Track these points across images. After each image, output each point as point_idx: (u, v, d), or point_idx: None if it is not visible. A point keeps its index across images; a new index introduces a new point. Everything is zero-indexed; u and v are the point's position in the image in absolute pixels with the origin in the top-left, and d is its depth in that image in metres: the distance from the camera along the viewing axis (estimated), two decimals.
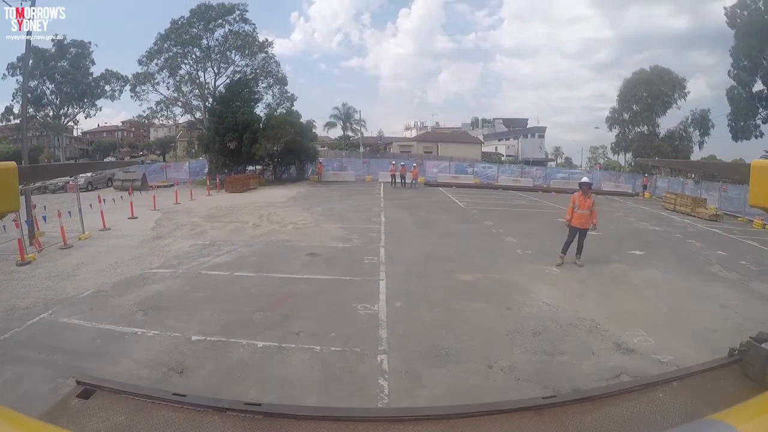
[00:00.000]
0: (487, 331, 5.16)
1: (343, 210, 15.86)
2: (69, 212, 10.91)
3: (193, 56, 31.34)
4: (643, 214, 18.90)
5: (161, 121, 36.64)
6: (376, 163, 34.76)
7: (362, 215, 14.58)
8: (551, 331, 5.18)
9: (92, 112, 41.61)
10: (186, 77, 31.70)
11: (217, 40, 31.39)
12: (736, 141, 32.69)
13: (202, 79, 31.91)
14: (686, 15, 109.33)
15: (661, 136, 41.03)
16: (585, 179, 8.66)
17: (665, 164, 44.54)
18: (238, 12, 31.25)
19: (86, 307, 5.84)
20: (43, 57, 36.10)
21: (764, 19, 28.52)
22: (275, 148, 27.29)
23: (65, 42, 37.47)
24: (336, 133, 55.77)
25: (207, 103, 31.38)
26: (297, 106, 33.76)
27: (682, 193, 22.63)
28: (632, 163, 42.42)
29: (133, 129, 70.99)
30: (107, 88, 40.02)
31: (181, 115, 33.82)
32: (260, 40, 32.41)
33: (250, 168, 29.79)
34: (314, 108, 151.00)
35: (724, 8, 31.15)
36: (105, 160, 52.59)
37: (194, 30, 30.61)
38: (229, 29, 31.43)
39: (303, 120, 30.48)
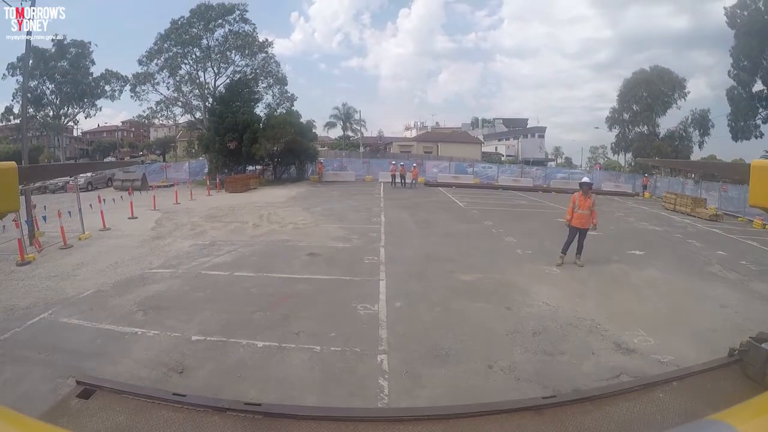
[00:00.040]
0: (487, 331, 5.16)
1: (343, 210, 15.86)
2: (69, 212, 10.91)
3: (193, 56, 31.35)
4: (643, 214, 18.90)
5: (161, 121, 36.66)
6: (376, 163, 34.77)
7: (362, 215, 14.58)
8: (551, 331, 5.18)
9: (92, 112, 41.73)
10: (186, 77, 31.72)
11: (217, 40, 31.41)
12: (736, 141, 32.75)
13: (202, 79, 31.94)
14: (686, 15, 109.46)
15: (661, 136, 41.05)
16: (585, 179, 8.65)
17: (665, 164, 44.55)
18: (238, 12, 31.27)
19: (86, 307, 5.84)
20: (43, 57, 36.11)
21: (764, 19, 28.52)
22: (275, 148, 27.29)
23: (65, 42, 37.50)
24: (336, 133, 55.89)
25: (207, 103, 31.39)
26: (297, 106, 33.82)
27: (682, 193, 22.64)
28: (632, 163, 42.44)
29: (133, 129, 70.99)
30: (107, 88, 40.11)
31: (181, 115, 33.87)
32: (260, 40, 32.45)
33: (250, 168, 29.80)
34: (314, 108, 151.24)
35: (724, 8, 31.21)
36: (105, 160, 52.60)
37: (194, 30, 30.62)
38: (229, 29, 31.45)
39: (303, 120, 30.54)
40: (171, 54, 30.81)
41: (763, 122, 31.61)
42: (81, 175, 20.93)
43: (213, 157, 27.85)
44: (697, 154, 39.61)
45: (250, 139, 26.49)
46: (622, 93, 42.56)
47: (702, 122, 39.18)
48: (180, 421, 1.79)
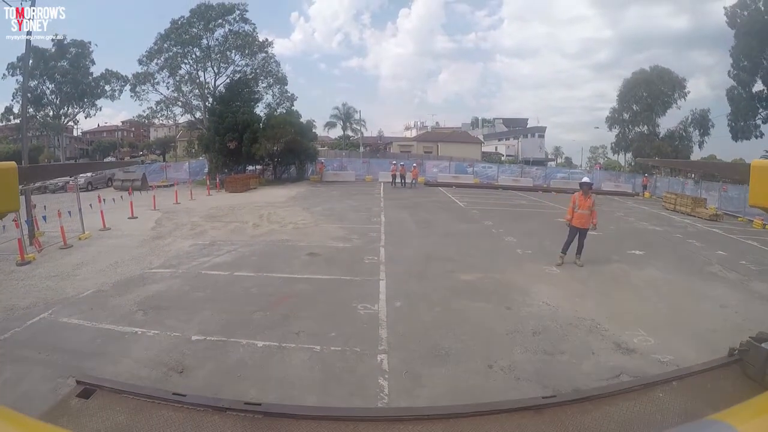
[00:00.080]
0: (487, 331, 5.16)
1: (343, 210, 15.86)
2: (69, 212, 10.91)
3: (193, 56, 31.35)
4: (643, 214, 18.90)
5: (161, 121, 36.66)
6: (376, 163, 34.76)
7: (362, 215, 14.58)
8: (551, 331, 5.18)
9: (92, 112, 41.76)
10: (186, 77, 31.72)
11: (217, 39, 31.42)
12: (736, 141, 32.78)
13: (202, 78, 31.94)
14: (686, 15, 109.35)
15: (661, 136, 41.08)
16: (585, 179, 8.65)
17: (665, 164, 44.56)
18: (238, 12, 31.27)
19: (86, 307, 5.84)
20: (43, 57, 36.12)
21: (764, 19, 28.53)
22: (275, 148, 27.29)
23: (65, 42, 37.50)
24: (336, 133, 55.86)
25: (207, 103, 31.39)
26: (297, 106, 33.84)
27: (682, 193, 22.64)
28: (632, 163, 42.46)
29: (133, 129, 70.99)
30: (107, 87, 40.14)
31: (181, 115, 33.88)
32: (260, 40, 32.45)
33: (250, 168, 29.80)
34: (314, 108, 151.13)
35: (724, 8, 31.24)
36: (105, 160, 52.59)
37: (194, 30, 30.61)
38: (229, 29, 31.45)
39: (303, 120, 30.54)
40: (171, 54, 30.81)
41: (763, 122, 31.64)
42: (81, 175, 20.92)
43: (213, 157, 27.85)
44: (697, 154, 39.73)
45: (250, 139, 26.49)
46: (622, 93, 42.60)
47: (702, 122, 39.22)
48: (180, 421, 1.79)
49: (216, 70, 31.96)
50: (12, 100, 37.84)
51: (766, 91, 30.78)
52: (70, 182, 16.55)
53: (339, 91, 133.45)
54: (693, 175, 27.67)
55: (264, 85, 32.89)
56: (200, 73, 31.87)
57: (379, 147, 52.71)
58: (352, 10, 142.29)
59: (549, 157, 66.54)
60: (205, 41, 31.02)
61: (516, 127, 70.76)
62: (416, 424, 1.80)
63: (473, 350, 4.63)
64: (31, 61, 26.55)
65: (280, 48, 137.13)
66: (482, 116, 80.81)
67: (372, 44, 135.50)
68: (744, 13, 30.06)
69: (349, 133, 53.30)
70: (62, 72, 37.51)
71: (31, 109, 35.78)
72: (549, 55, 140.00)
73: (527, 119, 73.81)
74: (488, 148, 61.86)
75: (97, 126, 63.44)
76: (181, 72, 31.51)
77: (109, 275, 7.39)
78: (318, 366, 4.25)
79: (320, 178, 29.84)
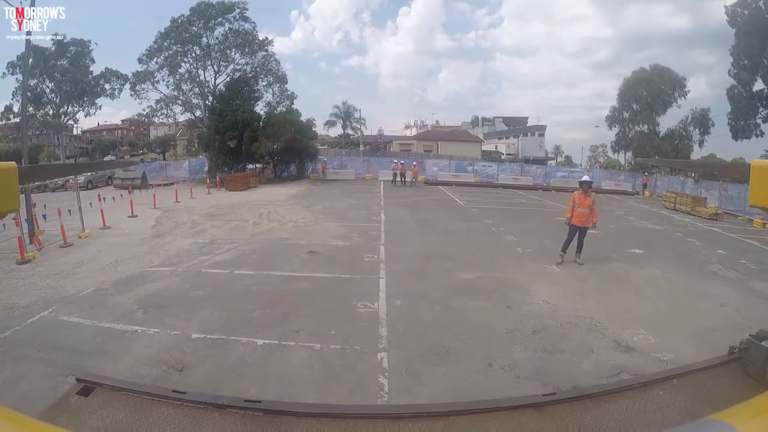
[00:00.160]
0: (487, 330, 5.16)
1: (343, 208, 15.86)
2: (69, 211, 10.90)
3: (193, 54, 31.36)
4: (643, 213, 18.90)
5: (161, 120, 36.76)
6: (376, 161, 34.78)
7: (362, 213, 14.58)
8: (551, 330, 5.17)
9: (92, 111, 41.70)
10: (186, 75, 31.76)
11: (217, 38, 31.46)
12: (737, 140, 32.77)
13: (202, 77, 31.98)
14: (686, 14, 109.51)
15: (661, 134, 41.08)
16: (585, 178, 8.65)
17: (665, 164, 44.54)
18: (238, 10, 31.30)
19: (86, 306, 5.84)
20: (42, 55, 36.04)
21: (765, 18, 28.49)
22: (275, 147, 27.30)
23: (65, 41, 37.44)
24: (336, 131, 55.86)
25: (207, 102, 31.40)
26: (297, 105, 33.93)
27: (682, 192, 22.64)
28: (632, 162, 42.43)
29: (133, 127, 70.98)
30: (107, 86, 40.08)
31: (181, 114, 33.98)
32: (260, 39, 32.49)
33: (250, 166, 29.80)
34: (314, 106, 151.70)
35: (725, 7, 31.18)
36: (105, 158, 52.58)
37: (194, 28, 30.62)
38: (229, 27, 31.50)
39: (303, 118, 30.55)
40: (171, 52, 30.82)
41: (763, 121, 31.63)
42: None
43: (213, 156, 27.85)
44: (697, 153, 39.77)
45: (250, 138, 26.48)
46: (622, 92, 42.57)
47: (702, 121, 39.21)
48: (180, 418, 1.79)
49: (216, 69, 32.01)
50: (12, 99, 37.88)
51: (766, 90, 30.76)
52: (70, 181, 16.55)
53: (339, 89, 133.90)
54: (693, 174, 27.66)
55: (264, 83, 32.98)
56: (200, 72, 31.92)
57: (379, 146, 52.71)
58: (352, 8, 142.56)
59: (549, 155, 66.56)
60: (205, 40, 31.06)
61: (516, 126, 70.76)
62: (416, 422, 1.80)
63: (473, 349, 4.62)
64: (30, 60, 26.48)
65: (280, 46, 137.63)
66: (482, 115, 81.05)
67: (372, 43, 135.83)
68: (744, 12, 30.02)
69: (349, 131, 53.31)
70: (62, 71, 37.46)
71: (30, 108, 35.73)
72: (549, 54, 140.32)
73: (527, 118, 73.88)
74: (488, 146, 61.86)
75: (97, 125, 63.60)
76: (181, 70, 31.58)
77: (109, 274, 7.39)
78: (318, 364, 4.25)
79: (323, 177, 29.78)
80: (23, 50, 13.13)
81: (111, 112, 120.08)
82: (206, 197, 19.65)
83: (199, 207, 16.12)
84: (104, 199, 13.14)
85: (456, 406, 1.98)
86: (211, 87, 31.89)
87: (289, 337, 4.83)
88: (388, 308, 5.76)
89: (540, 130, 66.83)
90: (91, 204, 12.67)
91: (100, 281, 6.95)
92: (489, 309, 5.87)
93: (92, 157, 57.11)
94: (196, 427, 1.75)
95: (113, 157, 53.33)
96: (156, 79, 31.52)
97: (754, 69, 30.46)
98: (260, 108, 31.20)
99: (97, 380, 2.08)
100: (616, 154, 48.73)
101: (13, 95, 37.16)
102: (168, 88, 31.80)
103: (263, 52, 32.63)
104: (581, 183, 8.45)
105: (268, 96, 33.02)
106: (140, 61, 31.19)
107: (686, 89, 40.29)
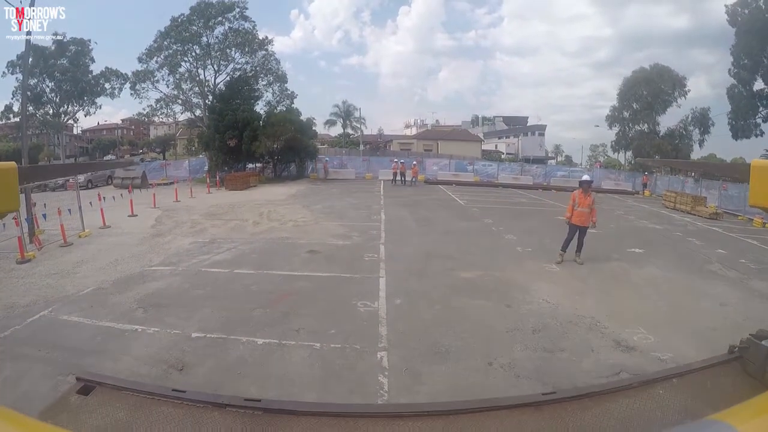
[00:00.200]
0: (487, 329, 5.16)
1: (343, 207, 15.86)
2: (69, 210, 10.90)
3: (193, 54, 31.37)
4: (643, 212, 18.90)
5: (161, 119, 36.77)
6: (376, 160, 34.77)
7: (362, 213, 14.58)
8: (551, 329, 5.18)
9: (92, 110, 41.57)
10: (186, 75, 31.79)
11: (217, 37, 31.48)
12: (737, 139, 32.77)
13: (202, 76, 32.00)
14: (686, 13, 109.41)
15: (661, 134, 41.05)
16: (586, 177, 8.65)
17: (665, 164, 44.53)
18: (238, 9, 31.32)
19: (86, 305, 5.84)
20: (42, 55, 35.96)
21: (765, 18, 28.46)
22: (275, 146, 27.29)
23: (65, 40, 37.40)
24: (336, 130, 55.80)
25: (207, 101, 31.41)
26: (297, 104, 33.94)
27: (682, 192, 22.65)
28: (632, 162, 42.42)
29: (133, 127, 70.94)
30: (107, 85, 39.95)
31: (181, 113, 34.03)
32: (260, 38, 32.51)
33: (250, 166, 29.80)
34: (314, 105, 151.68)
35: (725, 6, 31.17)
36: (105, 158, 52.57)
37: (194, 27, 30.63)
38: (229, 27, 31.52)
39: (303, 117, 30.56)
40: (171, 51, 30.84)
41: (763, 121, 31.63)
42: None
43: (213, 155, 27.85)
44: (697, 153, 39.77)
45: (250, 137, 26.48)
46: (622, 91, 42.55)
47: (702, 120, 39.19)
48: (179, 417, 1.79)
49: (216, 68, 32.03)
50: (12, 99, 37.76)
51: (766, 89, 30.74)
52: (70, 180, 16.55)
53: (339, 88, 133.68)
54: (693, 174, 27.66)
55: (264, 82, 33.01)
56: (200, 71, 31.94)
57: (379, 145, 52.67)
58: (352, 7, 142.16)
59: (549, 155, 66.51)
60: (205, 39, 31.08)
61: (516, 125, 70.70)
62: (416, 421, 1.80)
63: (473, 348, 4.63)
64: (30, 60, 26.47)
65: (280, 45, 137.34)
66: (482, 114, 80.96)
67: (372, 42, 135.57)
68: (745, 12, 30.00)
69: (349, 131, 53.27)
70: (62, 70, 37.39)
71: (30, 108, 35.65)
72: (549, 54, 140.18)
73: (527, 117, 73.83)
74: (488, 146, 61.81)
75: (97, 124, 63.55)
76: (181, 70, 31.61)
77: (109, 273, 7.39)
78: (318, 363, 4.25)
79: (325, 177, 29.72)
80: (23, 50, 13.10)
81: (111, 111, 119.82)
82: (206, 196, 19.64)
83: (199, 206, 16.12)
84: (104, 198, 13.15)
85: (456, 405, 1.98)
86: (211, 86, 31.91)
87: (289, 336, 4.84)
88: (388, 307, 5.77)
89: (540, 129, 66.80)
90: (91, 203, 12.67)
91: (100, 280, 6.95)
92: (489, 308, 5.87)
93: (92, 156, 57.12)
94: (195, 426, 1.75)
95: (113, 157, 53.32)
96: (156, 79, 31.58)
97: (754, 68, 30.45)
98: (260, 107, 31.30)
99: (97, 379, 2.08)
100: (616, 154, 48.80)
101: (13, 94, 37.15)
102: (168, 87, 31.88)
103: (263, 52, 32.68)
104: (581, 182, 8.45)
105: (268, 95, 33.12)
106: (140, 60, 31.25)
107: (686, 89, 40.36)
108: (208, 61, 31.59)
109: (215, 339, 4.76)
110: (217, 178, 24.29)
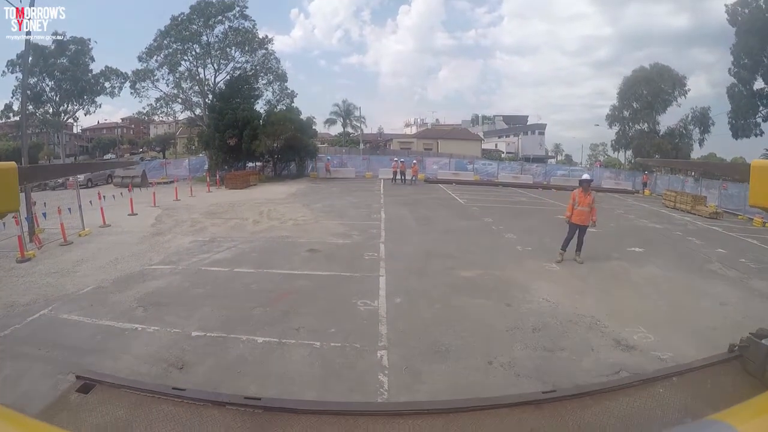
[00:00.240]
0: (487, 328, 5.16)
1: (343, 206, 15.85)
2: (69, 209, 10.90)
3: (193, 53, 31.36)
4: (643, 212, 18.89)
5: (161, 118, 36.75)
6: (376, 159, 34.72)
7: (362, 212, 14.57)
8: (551, 328, 5.18)
9: (92, 109, 41.54)
10: (186, 74, 31.78)
11: (216, 36, 31.47)
12: (737, 139, 32.76)
13: (201, 75, 32.00)
14: (686, 13, 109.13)
15: (661, 133, 41.03)
16: (586, 176, 8.65)
17: (665, 164, 44.53)
18: (238, 8, 31.29)
19: (86, 304, 5.84)
20: (42, 54, 35.91)
21: (765, 17, 28.44)
22: (275, 145, 27.27)
23: (65, 39, 37.35)
24: (336, 129, 55.78)
25: (207, 100, 31.41)
26: (297, 103, 33.88)
27: (682, 191, 22.63)
28: (632, 161, 42.42)
29: (132, 126, 70.86)
30: (107, 84, 39.92)
31: (181, 112, 34.05)
32: (260, 37, 32.50)
33: (250, 164, 29.77)
34: (314, 105, 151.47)
35: (725, 6, 31.12)
36: (105, 157, 52.56)
37: (194, 26, 30.61)
38: (229, 26, 31.51)
39: (303, 116, 30.49)
40: (171, 50, 30.83)
41: (763, 120, 31.61)
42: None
43: (213, 154, 27.84)
44: (697, 152, 39.77)
45: (250, 136, 26.46)
46: (622, 90, 42.51)
47: (702, 120, 39.18)
48: (179, 416, 1.79)
49: (216, 67, 32.01)
50: (11, 98, 37.72)
51: (766, 88, 30.72)
52: (70, 179, 16.55)
53: (339, 87, 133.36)
54: (693, 173, 27.66)
55: (264, 81, 32.98)
56: (200, 70, 31.95)
57: (379, 144, 52.67)
58: (352, 6, 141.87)
59: (549, 154, 66.50)
60: (204, 38, 31.07)
61: (516, 125, 70.61)
62: (416, 419, 1.80)
63: (473, 347, 4.63)
64: (30, 59, 26.43)
65: (280, 45, 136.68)
66: (482, 113, 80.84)
67: (372, 41, 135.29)
68: (745, 11, 29.98)
69: (349, 129, 53.27)
70: (62, 69, 37.34)
71: (30, 107, 35.65)
72: (549, 53, 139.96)
73: (527, 116, 73.72)
74: (488, 145, 61.78)
75: (96, 123, 63.51)
76: (181, 69, 31.61)
77: (109, 272, 7.39)
78: (318, 362, 4.26)
79: (327, 176, 29.67)
80: (23, 49, 13.08)
81: (111, 110, 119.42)
82: (206, 195, 19.64)
83: (199, 205, 16.11)
84: (104, 197, 13.15)
85: (456, 404, 1.99)
86: (211, 85, 31.90)
87: (289, 335, 4.84)
88: (388, 306, 5.77)
89: (540, 128, 66.72)
90: (91, 202, 12.67)
91: (100, 279, 6.95)
92: (489, 307, 5.87)
93: (92, 155, 57.12)
94: (195, 425, 1.75)
95: (113, 156, 53.31)
96: (156, 78, 31.59)
97: (754, 68, 30.43)
98: (260, 106, 31.26)
99: (96, 378, 2.08)
100: (616, 153, 48.74)
101: (12, 93, 37.10)
102: (168, 86, 31.88)
103: (263, 51, 32.66)
104: (581, 181, 8.44)
105: (268, 94, 33.10)
106: (140, 59, 31.25)
107: (686, 88, 40.32)
108: (208, 60, 31.58)
109: (215, 337, 4.76)
110: (217, 177, 24.27)
